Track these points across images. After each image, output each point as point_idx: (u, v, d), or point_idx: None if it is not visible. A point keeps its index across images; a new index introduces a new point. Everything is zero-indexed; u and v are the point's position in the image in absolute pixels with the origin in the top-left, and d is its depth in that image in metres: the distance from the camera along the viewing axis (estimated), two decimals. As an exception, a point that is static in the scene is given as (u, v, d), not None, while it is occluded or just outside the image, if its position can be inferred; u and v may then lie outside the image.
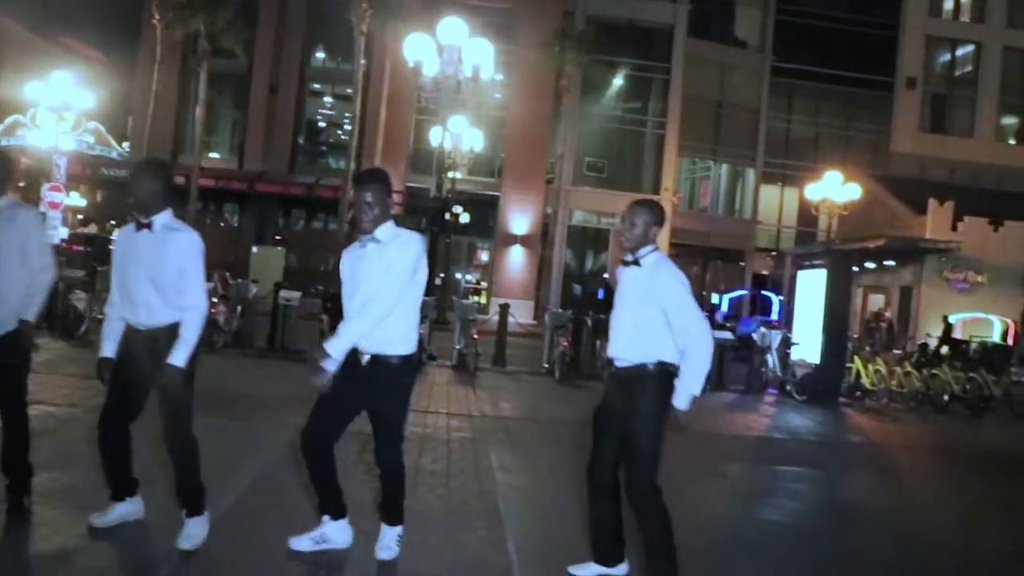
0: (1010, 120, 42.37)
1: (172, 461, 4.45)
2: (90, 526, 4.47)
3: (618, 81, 35.98)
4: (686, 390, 4.14)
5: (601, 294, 21.87)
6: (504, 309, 16.27)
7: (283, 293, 14.78)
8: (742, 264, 38.85)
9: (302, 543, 4.48)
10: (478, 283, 34.47)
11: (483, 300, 31.57)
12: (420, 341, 4.59)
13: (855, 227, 32.32)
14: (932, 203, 31.27)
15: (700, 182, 40.23)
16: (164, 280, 4.30)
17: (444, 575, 4.42)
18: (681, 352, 4.17)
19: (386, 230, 4.30)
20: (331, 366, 4.17)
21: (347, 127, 32.19)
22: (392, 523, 4.50)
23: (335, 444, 4.42)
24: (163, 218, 4.40)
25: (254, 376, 11.50)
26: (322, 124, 37.43)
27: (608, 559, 4.38)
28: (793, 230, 40.01)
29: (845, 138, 41.43)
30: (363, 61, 27.32)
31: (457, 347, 14.29)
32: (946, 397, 14.73)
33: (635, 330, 4.20)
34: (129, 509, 4.57)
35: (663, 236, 35.20)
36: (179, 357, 4.27)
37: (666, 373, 4.20)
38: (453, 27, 14.64)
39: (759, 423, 11.84)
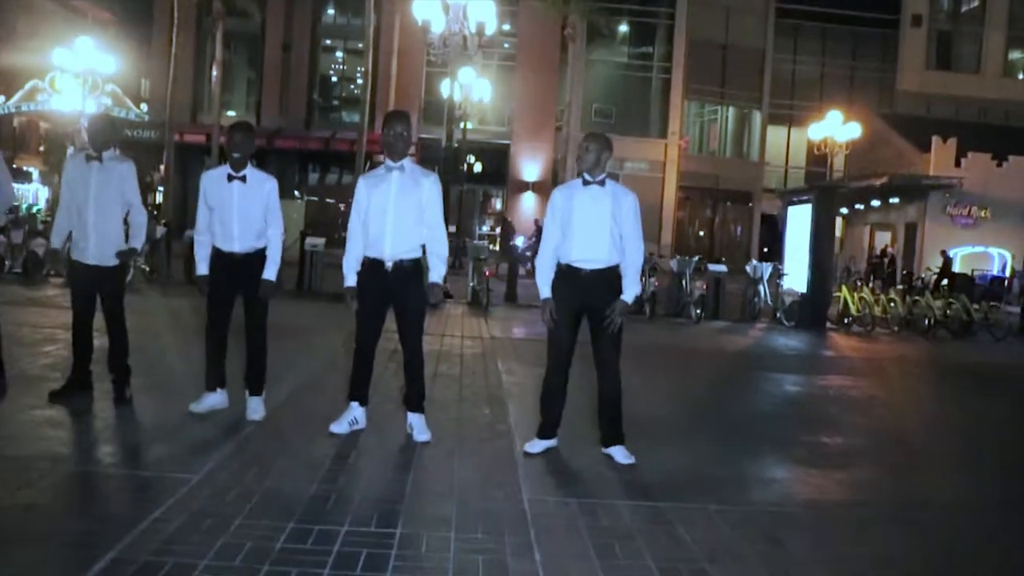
0: (1018, 55, 42.32)
1: (249, 349, 5.79)
2: (190, 412, 5.69)
3: (623, 28, 36.59)
4: (631, 289, 5.29)
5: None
6: (514, 250, 17.41)
7: (309, 240, 15.97)
8: (750, 205, 39.64)
9: (341, 427, 5.52)
10: (492, 229, 35.47)
11: (496, 246, 32.66)
12: None
13: (862, 165, 32.99)
14: (935, 140, 31.82)
15: (708, 125, 40.84)
16: (255, 216, 5.67)
17: (458, 437, 5.61)
18: (625, 259, 5.30)
19: (408, 163, 5.48)
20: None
21: (360, 82, 33.08)
22: (418, 410, 5.51)
23: (377, 342, 5.55)
24: (257, 172, 5.73)
25: (288, 311, 12.69)
26: (335, 79, 38.31)
27: (553, 433, 5.51)
28: (802, 170, 40.57)
29: (851, 77, 41.76)
30: (373, 17, 28.15)
31: (471, 284, 15.48)
32: (927, 322, 15.81)
33: (611, 238, 5.26)
34: (218, 399, 5.82)
35: (671, 179, 36.01)
36: (271, 272, 5.75)
37: None
38: (458, -14, 15.58)
39: (746, 342, 12.99)
